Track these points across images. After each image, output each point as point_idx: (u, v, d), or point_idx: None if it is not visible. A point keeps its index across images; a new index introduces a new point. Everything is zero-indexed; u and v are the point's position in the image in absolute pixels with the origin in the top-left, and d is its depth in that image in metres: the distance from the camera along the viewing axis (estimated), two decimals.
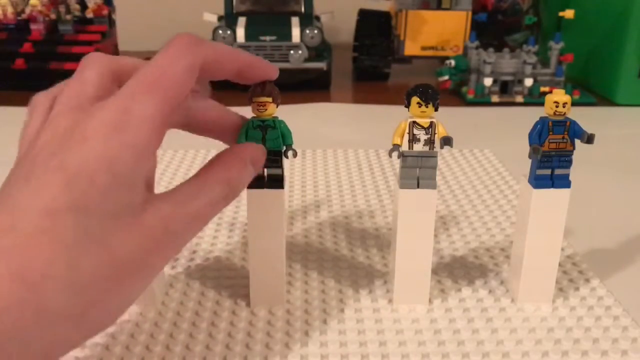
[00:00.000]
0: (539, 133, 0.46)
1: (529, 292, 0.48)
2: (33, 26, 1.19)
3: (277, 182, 0.44)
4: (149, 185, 0.34)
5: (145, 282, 0.33)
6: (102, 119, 0.32)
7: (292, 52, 1.14)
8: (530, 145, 0.46)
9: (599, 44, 1.19)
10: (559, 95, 0.46)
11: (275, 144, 0.43)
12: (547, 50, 1.13)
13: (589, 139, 0.45)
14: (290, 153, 0.44)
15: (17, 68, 1.15)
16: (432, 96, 0.43)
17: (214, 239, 0.59)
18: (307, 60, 1.15)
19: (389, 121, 1.03)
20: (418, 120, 0.43)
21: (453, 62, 1.14)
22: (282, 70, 1.11)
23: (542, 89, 1.11)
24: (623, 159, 0.82)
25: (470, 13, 1.22)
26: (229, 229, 0.61)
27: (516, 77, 1.12)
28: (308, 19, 1.19)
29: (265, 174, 0.44)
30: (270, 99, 0.42)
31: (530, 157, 0.46)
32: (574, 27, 1.18)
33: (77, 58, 1.16)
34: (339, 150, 0.84)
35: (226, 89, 1.20)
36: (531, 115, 1.03)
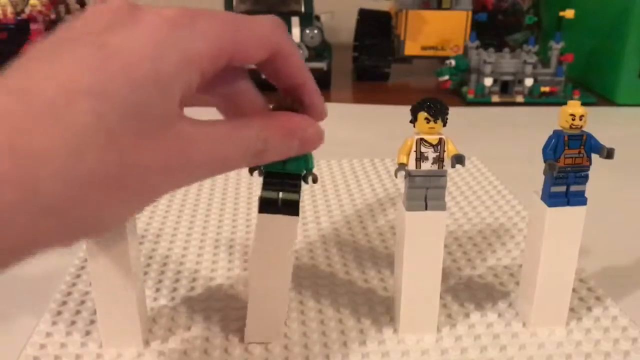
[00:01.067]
0: (554, 148, 0.41)
1: (541, 315, 0.44)
2: (33, 26, 1.14)
3: (292, 207, 0.39)
4: (183, 104, 0.29)
5: (141, 201, 0.28)
6: (164, 13, 0.28)
7: None
8: (545, 161, 0.41)
9: (599, 44, 1.15)
10: (575, 107, 0.41)
11: (296, 166, 0.38)
12: (548, 50, 1.09)
13: (609, 154, 0.41)
14: (310, 178, 0.38)
15: None
16: (440, 111, 0.38)
17: (197, 264, 0.53)
18: (307, 60, 1.11)
19: (389, 121, 1.02)
20: (426, 137, 0.39)
21: (453, 62, 1.10)
22: None
23: (543, 88, 1.08)
24: (623, 159, 0.77)
25: (470, 13, 1.18)
26: (213, 252, 0.54)
27: (516, 77, 1.08)
28: (308, 19, 1.15)
29: (280, 197, 0.39)
30: None
31: (545, 173, 0.41)
32: (575, 27, 1.14)
33: None
34: (332, 160, 0.78)
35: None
36: (531, 116, 1.00)
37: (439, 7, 1.18)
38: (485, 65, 1.07)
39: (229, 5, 1.17)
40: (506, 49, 1.10)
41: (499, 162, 0.76)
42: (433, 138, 0.39)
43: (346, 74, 1.29)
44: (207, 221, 0.60)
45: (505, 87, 1.09)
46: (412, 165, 0.39)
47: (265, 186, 0.38)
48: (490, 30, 1.20)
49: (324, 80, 1.15)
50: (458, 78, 1.11)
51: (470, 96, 1.07)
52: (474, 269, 0.52)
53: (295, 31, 1.11)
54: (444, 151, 0.39)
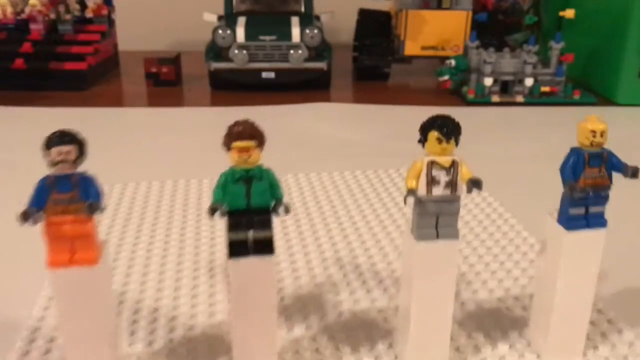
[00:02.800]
0: (573, 167, 0.37)
1: (557, 346, 0.39)
2: (32, 26, 1.10)
3: (265, 246, 0.33)
4: None
5: None
6: None
7: (292, 51, 1.06)
8: (564, 182, 0.36)
9: (599, 44, 1.11)
10: (595, 123, 0.37)
11: (262, 199, 0.32)
12: (548, 50, 1.05)
13: (634, 174, 0.37)
14: (281, 209, 0.33)
15: (16, 68, 1.06)
16: (453, 130, 0.34)
17: (175, 300, 0.45)
18: (307, 60, 1.07)
19: (389, 121, 0.98)
20: (437, 159, 0.34)
21: (453, 62, 1.07)
22: (282, 70, 1.06)
23: (543, 88, 1.03)
24: (624, 159, 0.73)
25: (470, 13, 1.14)
26: (192, 284, 0.47)
27: (517, 77, 1.04)
28: (308, 19, 1.10)
29: (251, 237, 0.33)
30: (254, 143, 0.31)
31: (565, 196, 0.37)
32: (575, 26, 1.10)
33: (76, 58, 1.10)
34: (334, 173, 0.70)
35: (227, 90, 1.15)
36: (532, 116, 0.96)
37: (439, 7, 1.14)
38: (485, 65, 1.03)
39: (228, 5, 1.13)
40: (506, 49, 1.06)
41: (500, 162, 0.73)
42: (445, 160, 0.34)
43: (346, 74, 1.25)
44: (182, 247, 0.53)
45: (505, 87, 1.05)
46: (422, 190, 0.34)
47: (232, 227, 0.33)
48: (491, 30, 1.16)
49: (324, 80, 1.11)
50: (458, 78, 1.07)
51: (471, 96, 1.04)
52: (480, 297, 0.47)
53: (295, 31, 1.07)
54: (457, 174, 0.34)
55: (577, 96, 1.02)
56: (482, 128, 0.91)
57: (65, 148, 0.30)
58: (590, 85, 1.12)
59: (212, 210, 0.32)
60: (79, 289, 0.32)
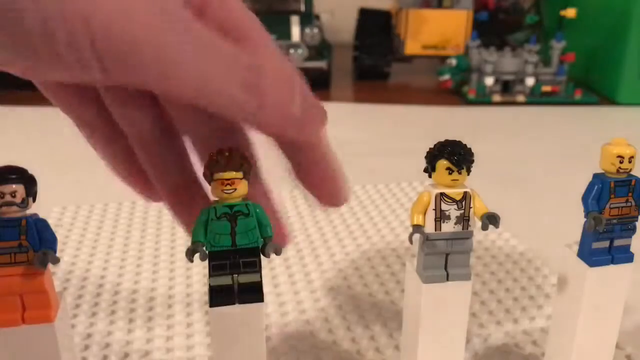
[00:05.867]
0: (598, 197, 0.31)
1: None
2: None
3: (253, 292, 0.27)
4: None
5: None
6: None
7: (292, 51, 1.00)
8: (587, 213, 0.30)
9: (600, 43, 1.05)
10: (623, 147, 0.30)
11: (249, 238, 0.26)
12: (549, 49, 0.99)
13: None
14: (271, 249, 0.26)
15: None
16: (465, 158, 0.28)
17: (148, 341, 0.38)
18: (307, 59, 1.01)
19: (389, 121, 0.93)
20: (447, 191, 0.28)
21: (454, 61, 1.01)
22: None
23: (544, 88, 0.98)
24: None
25: (471, 12, 1.07)
26: (167, 324, 0.39)
27: (518, 77, 0.99)
28: (308, 18, 1.04)
29: (236, 281, 0.27)
30: (240, 174, 0.25)
31: (589, 229, 0.31)
32: (576, 26, 1.03)
33: None
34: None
35: None
36: (533, 115, 0.91)
37: (440, 6, 1.08)
38: (486, 65, 0.98)
39: None
40: (507, 48, 1.01)
41: (501, 162, 0.69)
42: (456, 192, 0.28)
43: (346, 73, 1.19)
44: (154, 288, 0.44)
45: (506, 87, 1.00)
46: (429, 227, 0.28)
47: (215, 271, 0.27)
48: (492, 29, 1.10)
49: (324, 80, 1.06)
50: (459, 77, 1.02)
51: (471, 96, 0.98)
52: (487, 332, 0.40)
53: (295, 30, 1.01)
54: (470, 208, 0.28)
55: (578, 96, 0.98)
56: (483, 128, 0.87)
57: (9, 188, 0.24)
58: (591, 84, 1.06)
59: (191, 253, 0.26)
60: (32, 350, 0.26)
